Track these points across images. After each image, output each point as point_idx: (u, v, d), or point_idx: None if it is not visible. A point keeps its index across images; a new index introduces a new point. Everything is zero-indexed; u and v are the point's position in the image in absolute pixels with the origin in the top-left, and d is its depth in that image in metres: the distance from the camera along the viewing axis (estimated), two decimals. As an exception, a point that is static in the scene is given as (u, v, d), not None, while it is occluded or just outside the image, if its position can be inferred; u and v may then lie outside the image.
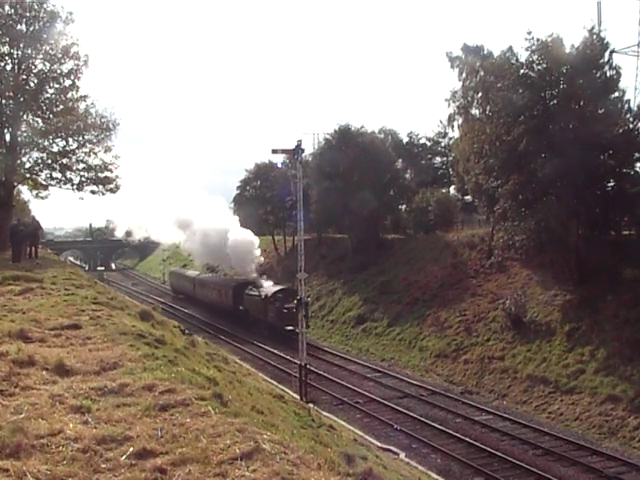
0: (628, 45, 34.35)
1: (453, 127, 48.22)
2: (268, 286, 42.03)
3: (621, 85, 28.60)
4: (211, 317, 49.52)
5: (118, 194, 31.26)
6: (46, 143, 28.65)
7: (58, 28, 27.42)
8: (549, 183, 26.96)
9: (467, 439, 21.09)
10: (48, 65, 27.77)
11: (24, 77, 27.32)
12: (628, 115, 28.14)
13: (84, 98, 28.83)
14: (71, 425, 5.28)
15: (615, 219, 28.45)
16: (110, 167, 29.47)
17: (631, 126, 27.80)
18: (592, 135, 25.56)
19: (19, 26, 26.89)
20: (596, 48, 27.72)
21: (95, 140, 29.02)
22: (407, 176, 55.54)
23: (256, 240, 48.33)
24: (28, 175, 29.46)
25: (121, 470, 4.59)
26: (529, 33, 27.84)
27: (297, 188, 26.54)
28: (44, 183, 29.80)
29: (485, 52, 43.97)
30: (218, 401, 6.37)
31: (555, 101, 27.84)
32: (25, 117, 28.10)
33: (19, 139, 28.18)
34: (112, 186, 29.88)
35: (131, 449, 4.88)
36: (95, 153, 29.22)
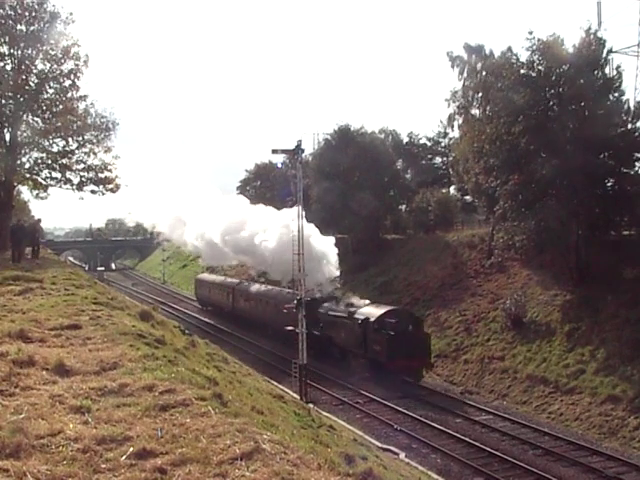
0: (628, 45, 34.34)
1: (453, 127, 48.38)
2: (364, 304, 31.55)
3: (621, 85, 28.66)
4: (259, 338, 39.37)
5: (123, 194, 31.33)
6: (46, 143, 28.63)
7: (58, 28, 27.37)
8: (549, 183, 26.99)
9: (467, 439, 21.08)
10: (48, 65, 27.72)
11: (24, 77, 27.27)
12: (625, 116, 28.15)
13: (84, 98, 28.82)
14: (71, 425, 5.28)
15: (615, 219, 28.44)
16: (110, 167, 29.48)
17: (630, 126, 27.82)
18: (592, 135, 25.59)
19: (19, 26, 26.85)
20: (595, 48, 27.75)
21: (95, 140, 29.02)
22: (407, 176, 55.64)
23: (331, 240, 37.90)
24: (28, 175, 29.42)
25: (121, 470, 4.59)
26: (530, 33, 27.95)
27: (297, 188, 26.55)
28: (44, 183, 29.77)
29: (486, 52, 44.06)
30: (218, 401, 6.37)
31: (555, 101, 27.87)
32: (25, 117, 28.06)
33: (19, 139, 28.14)
34: (112, 186, 29.85)
35: (131, 449, 4.88)
36: (95, 153, 29.22)
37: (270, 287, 42.05)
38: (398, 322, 27.64)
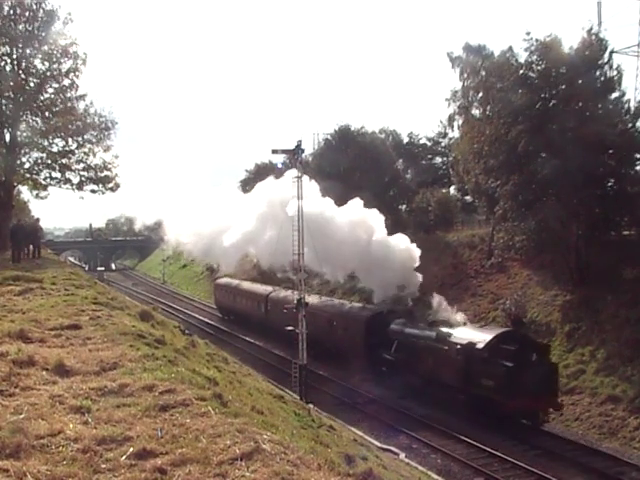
0: (628, 45, 34.42)
1: (453, 127, 48.26)
2: (458, 323, 24.96)
3: (621, 85, 28.65)
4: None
5: (123, 194, 31.37)
6: (46, 143, 28.66)
7: (57, 27, 27.37)
8: (549, 183, 26.96)
9: (467, 439, 21.06)
10: (47, 65, 27.73)
11: (23, 77, 27.29)
12: (625, 116, 28.13)
13: (83, 97, 28.83)
14: (71, 425, 5.28)
15: (615, 219, 28.42)
16: (110, 166, 29.49)
17: (630, 126, 27.79)
18: (592, 135, 25.56)
19: (18, 26, 26.86)
20: (595, 48, 27.76)
21: (94, 140, 29.05)
22: (407, 176, 55.64)
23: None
24: (28, 175, 29.47)
25: (121, 470, 4.59)
26: (528, 34, 27.95)
27: (297, 188, 26.52)
28: (44, 183, 29.81)
29: (487, 52, 43.98)
30: (218, 401, 6.37)
31: (555, 101, 27.84)
32: (25, 117, 28.08)
33: (19, 139, 28.17)
34: (112, 185, 29.89)
35: (131, 449, 4.88)
36: (94, 153, 29.24)
37: (326, 298, 35.73)
38: (518, 350, 21.46)
